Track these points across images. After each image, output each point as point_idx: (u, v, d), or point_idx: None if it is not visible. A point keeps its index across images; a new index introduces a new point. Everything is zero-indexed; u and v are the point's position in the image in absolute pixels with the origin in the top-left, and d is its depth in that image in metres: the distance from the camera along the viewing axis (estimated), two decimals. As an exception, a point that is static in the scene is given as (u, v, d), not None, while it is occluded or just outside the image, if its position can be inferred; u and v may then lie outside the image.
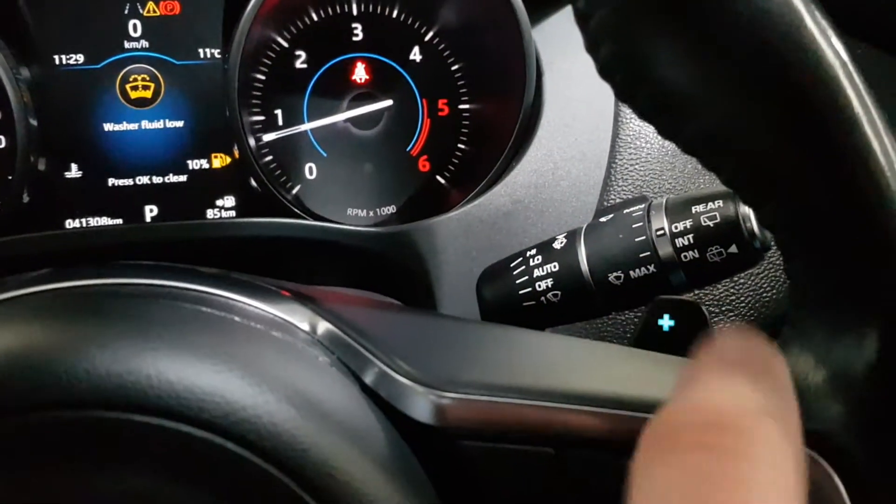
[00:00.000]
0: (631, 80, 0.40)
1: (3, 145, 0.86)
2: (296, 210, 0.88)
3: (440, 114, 0.95)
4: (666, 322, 0.59)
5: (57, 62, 0.88)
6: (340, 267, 0.86)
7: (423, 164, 0.95)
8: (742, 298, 0.81)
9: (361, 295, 0.78)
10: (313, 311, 0.51)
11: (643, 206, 0.62)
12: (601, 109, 0.84)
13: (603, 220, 0.63)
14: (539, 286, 0.64)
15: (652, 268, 0.59)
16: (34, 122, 0.84)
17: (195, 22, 0.90)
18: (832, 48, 0.36)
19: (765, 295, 0.81)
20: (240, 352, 0.44)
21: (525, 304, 0.64)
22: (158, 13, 0.89)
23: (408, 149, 0.95)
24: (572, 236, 0.64)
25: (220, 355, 0.42)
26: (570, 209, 0.81)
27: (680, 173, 0.80)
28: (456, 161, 0.95)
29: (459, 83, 0.95)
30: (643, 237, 0.60)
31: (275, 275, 0.86)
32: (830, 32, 0.37)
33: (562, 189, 0.81)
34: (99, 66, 0.89)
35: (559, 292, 0.63)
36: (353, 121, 0.93)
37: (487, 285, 0.68)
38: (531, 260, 0.65)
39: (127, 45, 0.89)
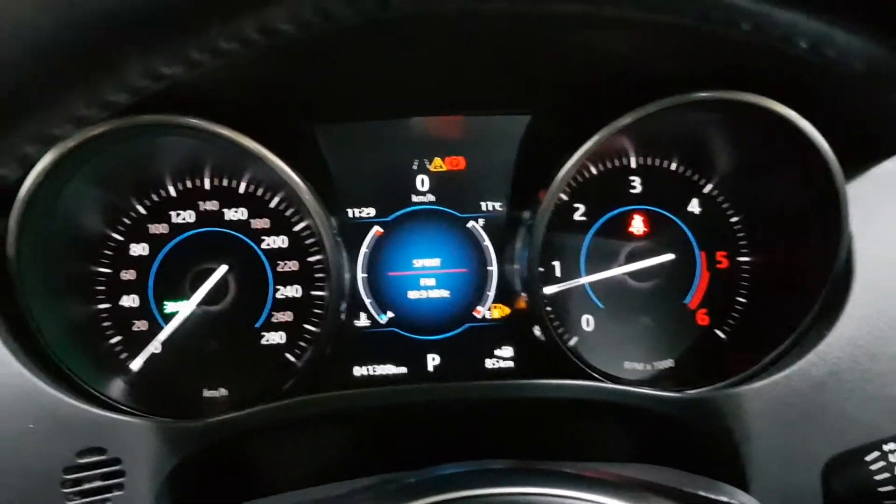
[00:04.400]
0: None
1: (308, 295, 0.91)
2: (575, 362, 0.88)
3: (719, 266, 0.93)
4: None
5: (350, 215, 0.92)
6: (633, 431, 0.85)
7: (702, 318, 0.93)
8: None
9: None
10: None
11: None
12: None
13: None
14: (903, 484, 0.60)
15: None
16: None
17: (479, 176, 0.93)
18: None
19: None
20: None
21: (886, 502, 0.61)
22: (444, 168, 0.93)
23: (685, 301, 0.93)
24: (939, 433, 0.60)
25: None
26: (892, 381, 0.77)
27: None
28: (736, 315, 0.93)
29: (739, 235, 0.93)
30: None
31: (561, 436, 0.86)
32: None
33: (881, 360, 0.77)
34: (388, 219, 0.93)
35: (927, 492, 0.59)
36: (631, 272, 0.93)
37: (837, 477, 0.65)
38: (891, 455, 0.61)
39: (414, 198, 0.93)
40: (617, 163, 0.94)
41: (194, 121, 0.81)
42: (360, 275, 0.92)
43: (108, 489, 0.76)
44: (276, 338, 0.91)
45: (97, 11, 0.32)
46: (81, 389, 0.81)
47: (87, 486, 0.76)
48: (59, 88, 0.33)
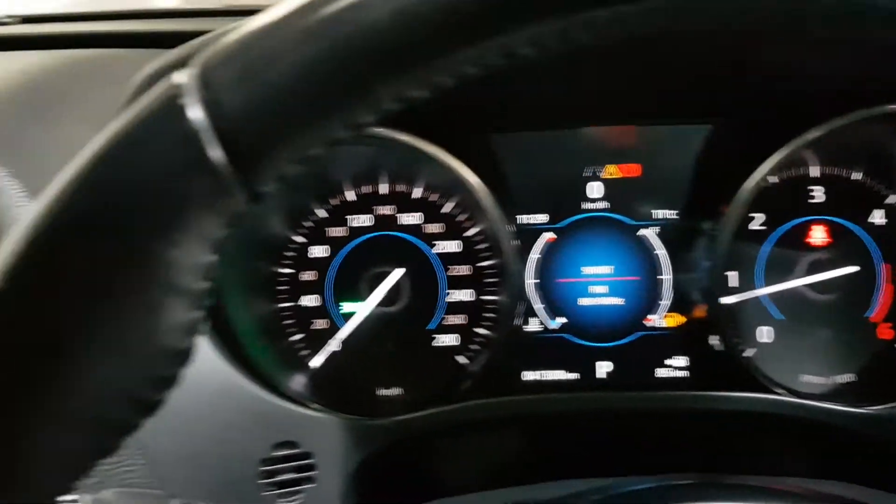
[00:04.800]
0: None
1: (479, 299, 0.93)
2: (751, 373, 0.87)
3: (903, 279, 0.91)
4: None
5: (522, 221, 0.93)
6: (811, 446, 0.84)
7: (885, 332, 0.90)
8: None
9: None
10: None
11: None
12: None
13: None
14: None
15: None
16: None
17: (654, 184, 0.92)
18: None
19: None
20: None
21: None
22: (619, 175, 0.93)
23: (866, 314, 0.91)
24: None
25: None
26: None
27: None
28: (923, 331, 0.90)
29: (925, 248, 0.90)
30: None
31: (735, 449, 0.85)
32: None
33: None
34: (559, 226, 0.93)
35: None
36: (810, 284, 0.91)
37: None
38: None
39: (585, 205, 0.93)
40: (796, 172, 0.91)
41: (377, 129, 0.84)
42: (532, 280, 0.93)
43: (301, 482, 0.80)
44: (448, 340, 0.93)
45: (362, 45, 0.34)
46: (270, 385, 0.85)
47: (280, 478, 0.80)
48: (321, 115, 0.35)
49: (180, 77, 0.34)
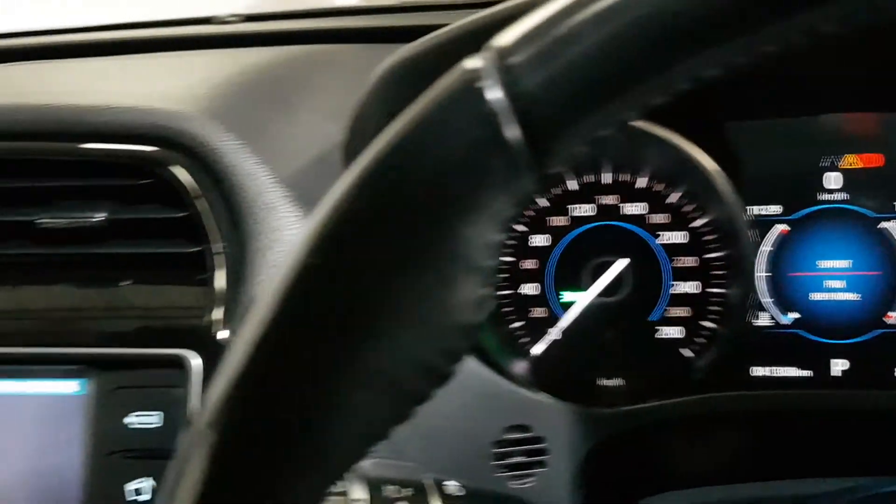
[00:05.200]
0: None
1: (705, 292, 0.91)
2: None
3: None
4: None
5: (753, 212, 0.90)
6: None
7: None
8: None
9: None
10: None
11: None
12: None
13: None
14: None
15: None
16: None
17: (897, 175, 0.88)
18: None
19: None
20: None
21: None
22: (859, 165, 0.89)
23: None
24: None
25: None
26: None
27: None
28: None
29: None
30: None
31: None
32: None
33: None
34: (793, 217, 0.90)
35: None
36: None
37: None
38: None
39: (821, 196, 0.90)
40: None
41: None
42: (763, 273, 0.90)
43: (532, 465, 0.81)
44: (672, 332, 0.92)
45: (663, 22, 0.33)
46: (499, 370, 0.87)
47: (512, 460, 0.81)
48: (617, 95, 0.35)
49: (475, 62, 0.35)
